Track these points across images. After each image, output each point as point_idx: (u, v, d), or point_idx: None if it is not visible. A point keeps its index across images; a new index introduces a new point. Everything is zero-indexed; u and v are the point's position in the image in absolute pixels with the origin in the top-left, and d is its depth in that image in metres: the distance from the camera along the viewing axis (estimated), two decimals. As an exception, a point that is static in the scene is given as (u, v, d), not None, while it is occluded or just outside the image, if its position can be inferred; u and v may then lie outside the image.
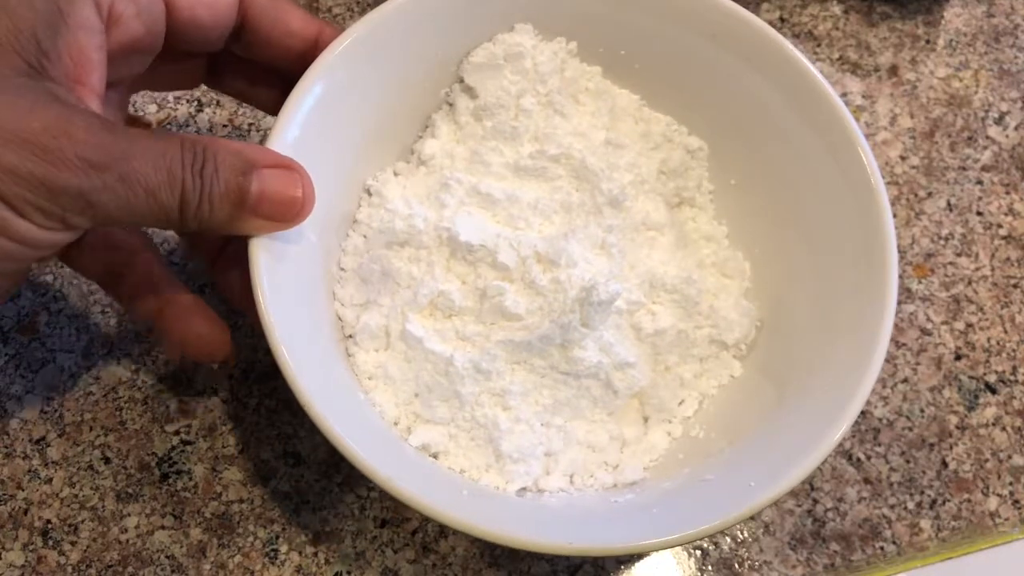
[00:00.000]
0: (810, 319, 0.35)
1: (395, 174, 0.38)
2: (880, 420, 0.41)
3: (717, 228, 0.39)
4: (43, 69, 0.27)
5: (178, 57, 0.34)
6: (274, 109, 0.36)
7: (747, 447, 0.34)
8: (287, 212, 0.30)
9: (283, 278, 0.30)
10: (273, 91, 0.37)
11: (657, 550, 0.36)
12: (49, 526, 0.37)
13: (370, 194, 0.37)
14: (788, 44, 0.36)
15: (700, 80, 0.38)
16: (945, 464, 0.41)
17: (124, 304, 0.36)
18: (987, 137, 0.48)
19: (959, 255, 0.45)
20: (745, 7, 0.37)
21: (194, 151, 0.28)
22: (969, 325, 0.43)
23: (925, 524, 0.39)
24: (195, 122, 0.45)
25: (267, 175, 0.30)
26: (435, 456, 0.34)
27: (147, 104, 0.45)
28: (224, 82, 0.38)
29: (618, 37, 0.38)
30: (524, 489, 0.34)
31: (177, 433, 0.39)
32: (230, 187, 0.29)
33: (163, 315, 0.34)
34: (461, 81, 0.38)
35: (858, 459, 0.40)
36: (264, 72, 0.36)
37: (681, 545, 0.37)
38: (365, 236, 0.36)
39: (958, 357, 0.43)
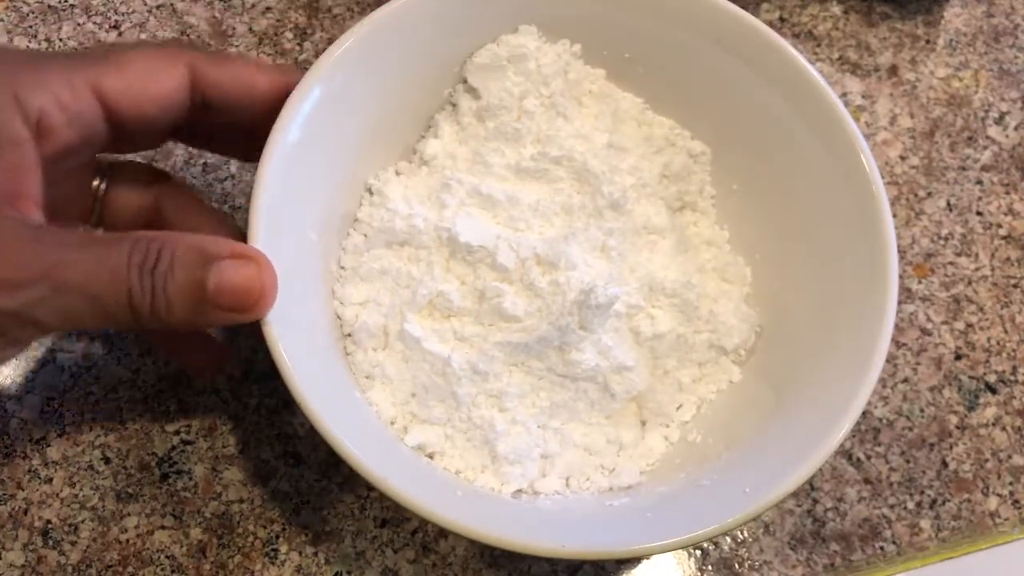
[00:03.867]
0: (810, 325, 0.35)
1: (397, 173, 0.38)
2: (880, 420, 0.41)
3: (718, 233, 0.39)
4: None
5: (138, 138, 0.33)
6: (246, 156, 0.36)
7: (744, 452, 0.34)
8: (245, 302, 0.29)
9: (282, 276, 0.30)
10: (246, 140, 0.35)
11: (650, 555, 0.36)
12: (49, 526, 0.37)
13: (371, 193, 0.37)
14: (791, 48, 0.36)
15: (703, 84, 0.38)
16: (945, 464, 0.41)
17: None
18: (987, 137, 0.48)
19: (959, 255, 0.45)
20: (744, 7, 0.36)
21: (146, 250, 0.28)
22: (969, 325, 0.43)
23: (925, 524, 0.39)
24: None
25: (225, 266, 0.29)
26: (431, 456, 0.34)
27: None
28: (194, 138, 0.37)
29: (622, 40, 0.38)
30: (520, 491, 0.34)
31: (177, 433, 0.39)
32: (187, 281, 0.28)
33: (168, 340, 0.35)
34: (464, 82, 0.38)
35: (858, 459, 0.40)
36: (235, 127, 0.34)
37: (674, 550, 0.37)
38: (365, 235, 0.36)
39: (958, 357, 0.43)
